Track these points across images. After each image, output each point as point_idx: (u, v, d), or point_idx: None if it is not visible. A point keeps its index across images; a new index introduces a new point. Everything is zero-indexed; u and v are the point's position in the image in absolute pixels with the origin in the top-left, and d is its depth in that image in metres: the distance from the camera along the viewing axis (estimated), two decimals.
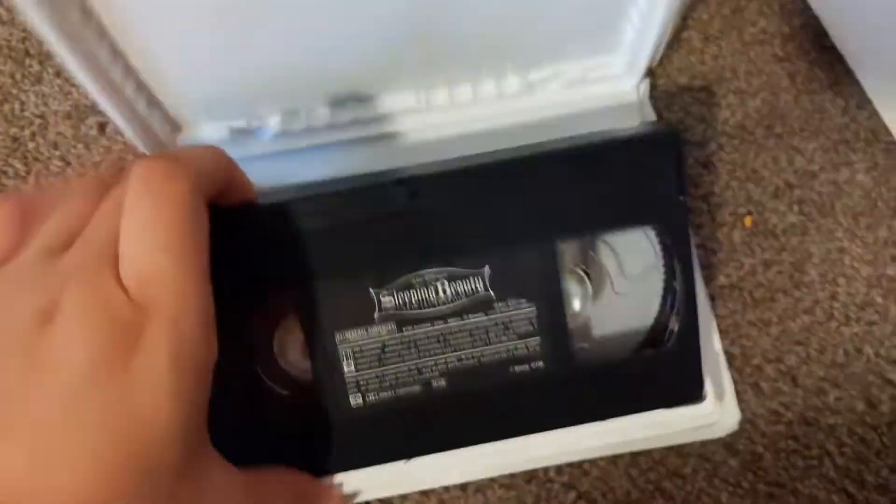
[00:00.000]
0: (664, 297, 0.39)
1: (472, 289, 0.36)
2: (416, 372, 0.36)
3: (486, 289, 0.36)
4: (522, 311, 0.37)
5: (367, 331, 0.36)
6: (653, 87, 0.50)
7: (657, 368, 0.39)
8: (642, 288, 0.39)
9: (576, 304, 0.40)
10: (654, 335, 0.39)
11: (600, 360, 0.38)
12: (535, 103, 0.45)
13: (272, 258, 0.34)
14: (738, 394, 0.44)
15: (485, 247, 0.36)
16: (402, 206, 0.34)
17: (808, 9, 0.53)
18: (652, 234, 0.38)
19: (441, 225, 0.35)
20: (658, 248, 0.38)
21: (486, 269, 0.36)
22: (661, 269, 0.38)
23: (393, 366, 0.36)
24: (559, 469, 0.44)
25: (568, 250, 0.38)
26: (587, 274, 0.39)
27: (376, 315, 0.36)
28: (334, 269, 0.35)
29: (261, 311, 0.35)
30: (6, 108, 0.48)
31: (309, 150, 0.44)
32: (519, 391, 0.37)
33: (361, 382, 0.36)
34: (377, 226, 0.34)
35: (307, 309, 0.35)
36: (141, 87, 0.37)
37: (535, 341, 0.37)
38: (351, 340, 0.36)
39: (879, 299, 0.47)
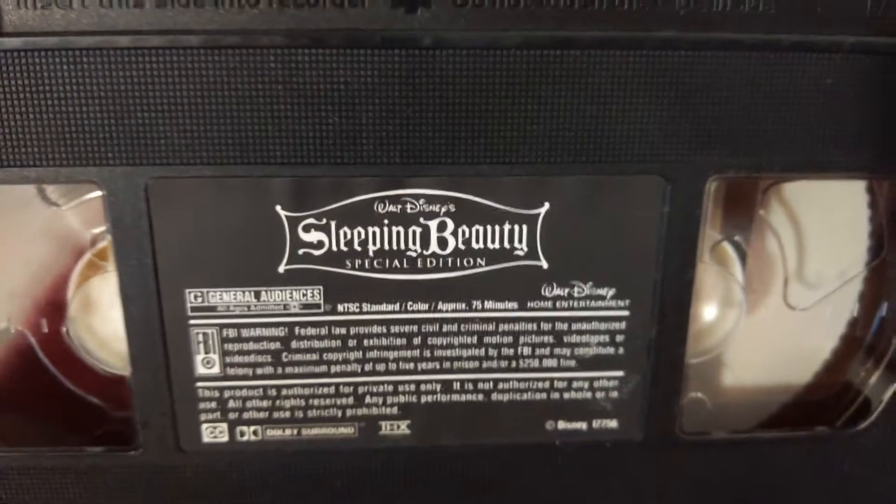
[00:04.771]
0: (875, 330, 0.25)
1: (502, 244, 0.22)
2: (351, 399, 0.23)
3: (532, 250, 0.22)
4: (600, 311, 0.22)
5: (256, 296, 0.22)
6: None
7: (839, 465, 0.25)
8: (835, 307, 0.25)
9: (707, 314, 0.25)
10: (843, 396, 0.25)
11: (731, 436, 0.24)
12: None
13: None
14: None
15: (545, 156, 0.21)
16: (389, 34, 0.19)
17: None
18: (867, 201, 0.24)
19: (461, 92, 0.20)
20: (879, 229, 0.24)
21: (544, 209, 0.21)
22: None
23: (302, 379, 0.23)
24: None
25: (717, 203, 0.23)
26: (742, 258, 0.24)
27: (283, 264, 0.21)
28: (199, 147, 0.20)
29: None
30: None
31: None
32: (562, 472, 0.24)
33: (230, 402, 0.23)
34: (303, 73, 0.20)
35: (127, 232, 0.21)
36: None
37: (611, 377, 0.23)
38: (219, 312, 0.22)
39: None
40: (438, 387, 0.23)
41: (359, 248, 0.21)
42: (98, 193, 0.21)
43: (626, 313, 0.22)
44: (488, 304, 0.22)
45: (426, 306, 0.22)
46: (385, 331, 0.22)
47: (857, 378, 0.25)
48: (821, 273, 0.25)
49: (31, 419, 0.24)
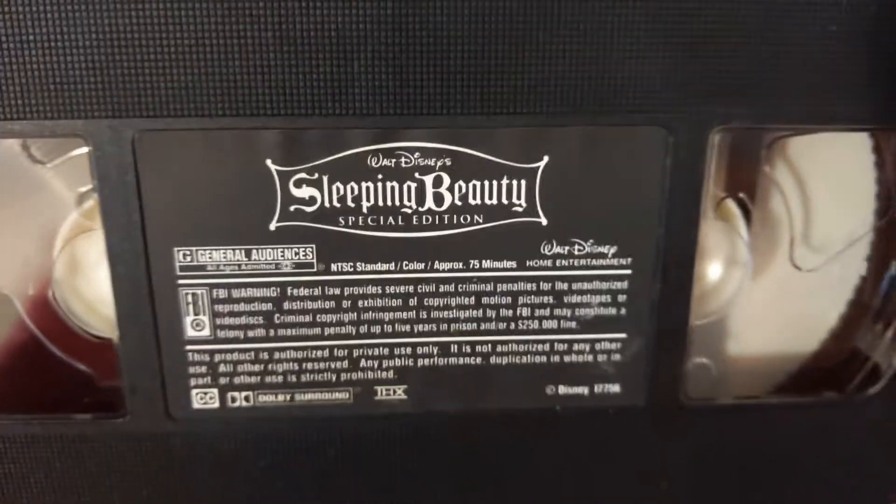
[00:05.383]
0: (885, 292, 0.24)
1: (500, 199, 0.21)
2: (346, 363, 0.22)
3: (531, 206, 0.21)
4: (601, 270, 0.22)
5: (247, 255, 0.21)
6: None
7: (847, 433, 0.24)
8: (842, 270, 0.24)
9: (712, 273, 0.24)
10: (852, 363, 0.25)
11: (737, 401, 0.24)
12: None
13: None
14: None
15: (544, 106, 0.20)
16: None
17: None
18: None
19: (457, 40, 0.19)
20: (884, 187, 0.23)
21: (543, 163, 0.20)
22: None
23: (295, 342, 0.22)
24: None
25: (721, 158, 0.22)
26: (747, 217, 0.24)
27: (274, 222, 0.21)
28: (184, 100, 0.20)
29: None
30: None
31: None
32: (563, 438, 0.23)
33: (221, 366, 0.22)
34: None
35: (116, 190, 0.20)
36: None
37: (614, 339, 0.22)
38: (208, 271, 0.21)
39: None
40: (435, 350, 0.22)
41: (352, 205, 0.20)
42: (84, 150, 0.20)
43: (628, 272, 0.21)
44: (486, 263, 0.21)
45: (422, 265, 0.21)
46: (380, 291, 0.21)
47: (865, 344, 0.25)
48: (827, 234, 0.24)
49: (16, 386, 0.23)
